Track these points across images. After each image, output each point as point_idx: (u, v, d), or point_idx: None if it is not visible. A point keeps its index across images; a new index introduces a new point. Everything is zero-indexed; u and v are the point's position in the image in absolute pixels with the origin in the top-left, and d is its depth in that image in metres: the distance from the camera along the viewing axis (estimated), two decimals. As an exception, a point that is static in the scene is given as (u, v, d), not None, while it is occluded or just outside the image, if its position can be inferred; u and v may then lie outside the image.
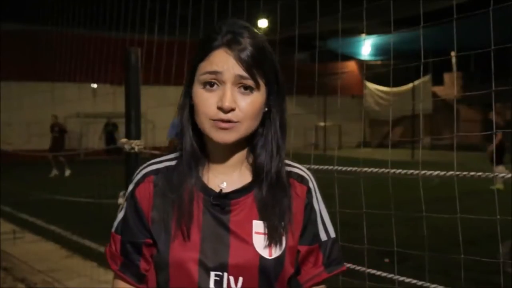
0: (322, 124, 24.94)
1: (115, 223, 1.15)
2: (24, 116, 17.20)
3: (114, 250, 1.14)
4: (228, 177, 1.13)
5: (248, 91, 1.06)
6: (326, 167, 3.25)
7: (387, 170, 2.95)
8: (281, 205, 1.10)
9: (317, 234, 1.16)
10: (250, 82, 1.05)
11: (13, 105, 16.08)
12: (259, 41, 1.09)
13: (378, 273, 3.12)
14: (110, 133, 18.63)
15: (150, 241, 1.11)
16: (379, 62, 24.45)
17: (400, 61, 15.03)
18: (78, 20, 7.42)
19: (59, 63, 8.71)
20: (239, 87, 1.06)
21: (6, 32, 17.00)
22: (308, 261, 1.15)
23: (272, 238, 1.08)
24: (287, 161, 1.16)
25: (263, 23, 16.77)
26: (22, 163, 14.87)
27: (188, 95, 1.12)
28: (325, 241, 1.17)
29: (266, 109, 1.11)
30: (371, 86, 25.63)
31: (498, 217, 2.55)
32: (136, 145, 2.86)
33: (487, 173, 2.57)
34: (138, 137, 2.88)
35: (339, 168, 3.15)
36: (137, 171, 1.16)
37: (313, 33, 4.13)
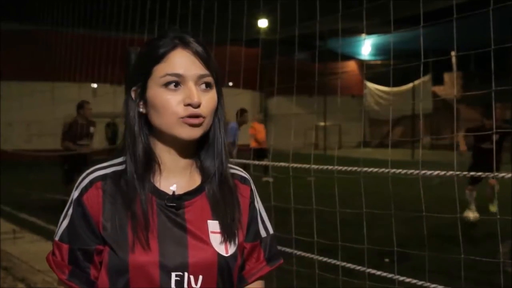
0: (322, 124, 24.94)
1: (59, 231, 1.13)
2: (24, 116, 17.17)
3: (60, 259, 1.12)
4: (178, 180, 1.15)
5: (208, 88, 1.10)
6: (326, 167, 3.25)
7: (387, 170, 2.95)
8: (231, 204, 1.16)
9: (258, 231, 1.22)
10: (209, 79, 1.10)
11: (13, 105, 16.07)
12: (203, 43, 1.12)
13: (378, 273, 3.12)
14: (114, 133, 18.53)
15: (101, 247, 1.10)
16: (379, 62, 24.45)
17: (400, 61, 15.02)
18: (78, 20, 7.42)
19: (59, 63, 8.71)
20: (200, 84, 1.09)
21: (6, 32, 16.99)
22: (252, 257, 1.21)
23: (227, 236, 1.13)
24: (229, 164, 1.21)
25: (263, 23, 16.73)
26: (22, 163, 14.88)
27: (135, 102, 1.12)
28: (265, 237, 1.23)
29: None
30: (371, 86, 25.62)
31: (498, 217, 2.55)
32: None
33: (487, 173, 2.57)
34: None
35: (339, 168, 3.15)
36: (82, 177, 1.14)
37: (313, 33, 4.13)
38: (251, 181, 1.24)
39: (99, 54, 7.29)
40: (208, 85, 1.09)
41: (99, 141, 18.73)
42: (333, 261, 3.33)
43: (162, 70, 1.08)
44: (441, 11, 5.31)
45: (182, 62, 1.08)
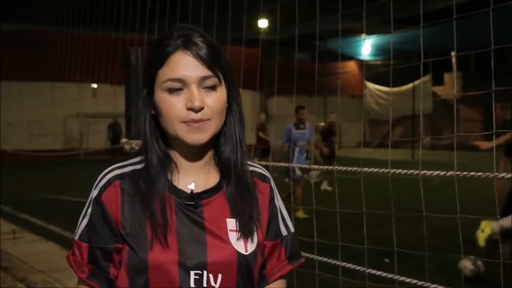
0: (322, 124, 24.92)
1: (78, 231, 1.13)
2: (24, 116, 17.18)
3: (80, 258, 1.12)
4: (196, 178, 1.15)
5: (212, 88, 1.09)
6: (326, 167, 3.25)
7: (387, 170, 2.95)
8: (250, 202, 1.14)
9: (278, 229, 1.20)
10: (213, 80, 1.08)
11: (13, 105, 16.09)
12: (210, 40, 1.11)
13: (378, 273, 3.13)
14: (116, 133, 18.46)
15: (121, 246, 1.10)
16: (379, 62, 24.44)
17: (400, 61, 15.01)
18: (78, 20, 7.42)
19: (59, 63, 8.72)
20: (203, 86, 1.08)
21: (6, 32, 17.01)
22: (273, 255, 1.19)
23: (246, 234, 1.12)
24: (248, 162, 1.19)
25: (263, 23, 16.73)
26: (22, 163, 14.89)
27: (147, 103, 1.13)
28: (286, 235, 1.21)
29: (227, 104, 1.13)
30: (371, 86, 25.63)
31: (498, 217, 2.55)
32: (136, 145, 2.86)
33: (487, 173, 2.57)
34: (138, 137, 2.88)
35: (339, 168, 3.15)
36: (101, 176, 1.14)
37: (313, 33, 4.13)
38: (271, 179, 1.23)
39: (99, 54, 7.30)
40: (212, 85, 1.08)
41: (101, 141, 18.78)
42: (333, 261, 3.33)
43: (164, 75, 1.08)
44: (441, 11, 5.31)
45: (182, 66, 1.07)
